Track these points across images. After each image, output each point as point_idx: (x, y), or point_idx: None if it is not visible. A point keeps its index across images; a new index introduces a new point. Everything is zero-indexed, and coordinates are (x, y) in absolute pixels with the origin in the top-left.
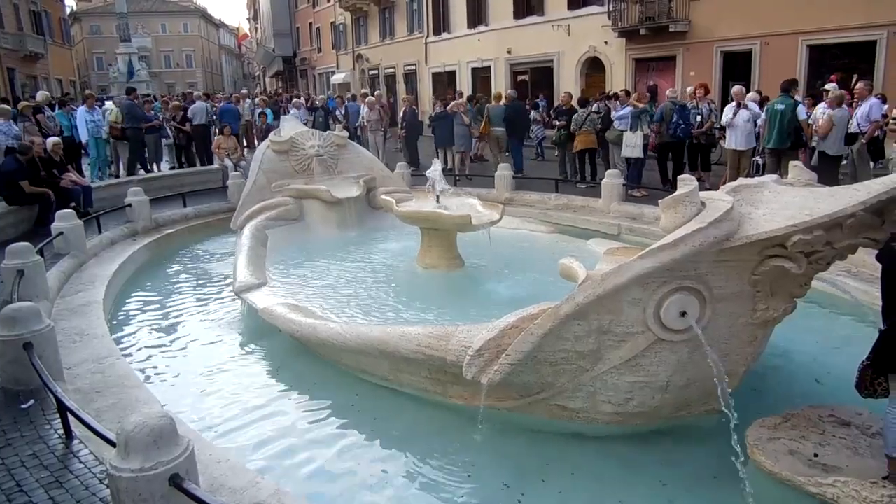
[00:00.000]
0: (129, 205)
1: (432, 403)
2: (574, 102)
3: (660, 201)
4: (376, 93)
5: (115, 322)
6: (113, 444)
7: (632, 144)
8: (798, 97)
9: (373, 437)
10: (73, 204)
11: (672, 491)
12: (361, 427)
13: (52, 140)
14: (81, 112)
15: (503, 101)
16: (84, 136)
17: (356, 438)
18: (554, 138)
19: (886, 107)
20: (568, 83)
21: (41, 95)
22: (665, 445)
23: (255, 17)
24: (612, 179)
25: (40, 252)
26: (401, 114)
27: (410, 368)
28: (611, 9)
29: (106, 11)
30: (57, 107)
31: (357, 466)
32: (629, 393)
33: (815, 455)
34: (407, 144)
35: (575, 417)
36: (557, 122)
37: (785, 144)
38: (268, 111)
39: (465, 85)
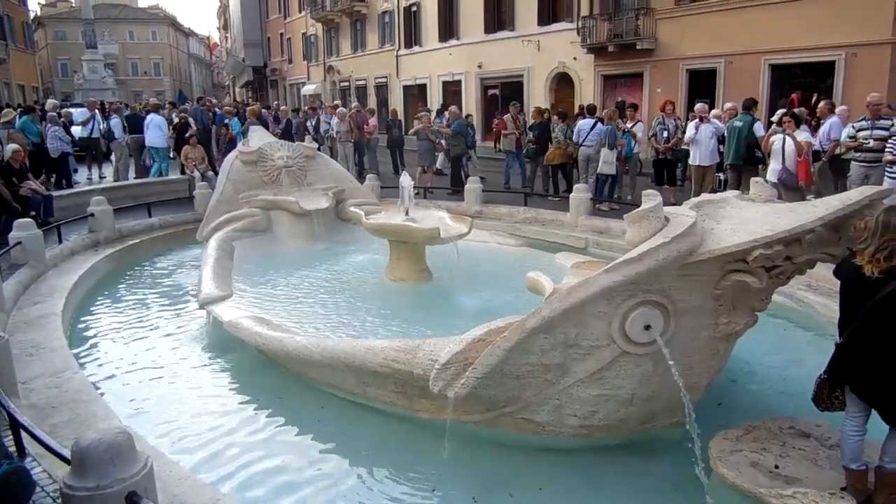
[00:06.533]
0: (92, 214)
1: (399, 417)
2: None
3: (625, 216)
4: (353, 105)
5: (74, 335)
6: (68, 462)
7: (609, 161)
8: (758, 116)
9: (339, 451)
10: (32, 213)
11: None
12: (327, 442)
13: (10, 147)
14: (158, 120)
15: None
16: (163, 143)
17: (322, 453)
18: (526, 152)
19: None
20: (538, 98)
21: (50, 103)
22: (630, 458)
23: (225, 27)
24: (580, 194)
25: None
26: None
27: (377, 382)
28: (580, 25)
29: (71, 17)
30: (20, 114)
31: (322, 482)
32: (595, 406)
33: (776, 467)
34: (391, 153)
35: (541, 431)
36: (528, 137)
37: (740, 160)
38: (234, 122)
39: (435, 98)
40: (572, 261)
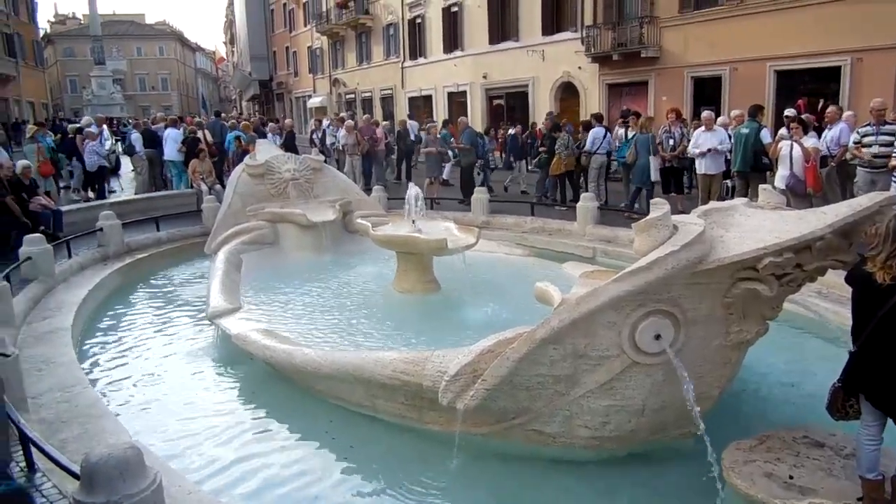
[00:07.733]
0: (101, 229)
1: (408, 430)
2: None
3: (633, 225)
4: (364, 116)
5: (83, 349)
6: (77, 477)
7: (656, 168)
8: (764, 122)
9: (348, 464)
10: (42, 228)
11: None
12: (336, 454)
13: (21, 163)
14: (175, 134)
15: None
16: (177, 156)
17: (331, 466)
18: (538, 161)
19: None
20: (543, 108)
21: (85, 121)
22: (641, 469)
23: (231, 41)
24: (587, 203)
25: (6, 277)
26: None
27: (386, 394)
28: (584, 35)
29: (80, 34)
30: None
31: (331, 495)
32: (605, 417)
33: (791, 477)
34: (398, 162)
35: (551, 442)
36: (540, 146)
37: (748, 167)
38: (243, 134)
39: (440, 109)
40: (580, 270)
